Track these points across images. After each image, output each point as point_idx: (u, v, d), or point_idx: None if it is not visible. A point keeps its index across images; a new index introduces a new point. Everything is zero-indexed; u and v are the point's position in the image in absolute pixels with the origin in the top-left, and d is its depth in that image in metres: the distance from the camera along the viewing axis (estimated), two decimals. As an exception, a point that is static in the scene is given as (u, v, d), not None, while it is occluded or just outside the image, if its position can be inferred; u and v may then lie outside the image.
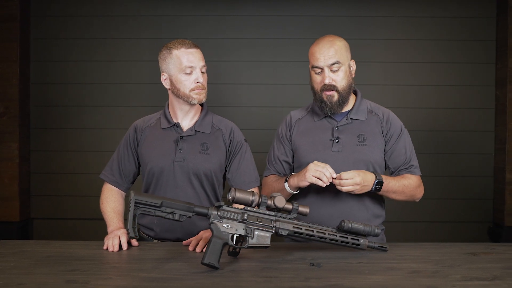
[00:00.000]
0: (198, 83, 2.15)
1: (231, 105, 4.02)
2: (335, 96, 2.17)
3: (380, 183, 2.08)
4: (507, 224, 3.83)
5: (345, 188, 2.02)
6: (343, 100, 2.20)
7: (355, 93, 2.32)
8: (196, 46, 2.19)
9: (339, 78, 2.17)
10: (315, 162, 2.07)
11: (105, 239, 2.00)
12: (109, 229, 2.11)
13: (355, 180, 2.02)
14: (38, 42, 4.05)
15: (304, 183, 2.08)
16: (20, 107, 3.91)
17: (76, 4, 4.04)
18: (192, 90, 2.15)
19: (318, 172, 2.03)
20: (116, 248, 1.92)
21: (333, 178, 2.03)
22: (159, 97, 3.99)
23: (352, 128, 2.22)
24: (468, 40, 4.01)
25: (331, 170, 2.04)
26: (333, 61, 2.15)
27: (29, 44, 4.03)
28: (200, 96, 2.17)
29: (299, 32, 4.03)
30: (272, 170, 2.36)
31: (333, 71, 2.16)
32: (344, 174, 2.02)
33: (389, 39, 4.02)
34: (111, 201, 2.23)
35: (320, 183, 2.03)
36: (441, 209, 4.03)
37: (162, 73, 2.21)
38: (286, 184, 2.18)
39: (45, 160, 4.07)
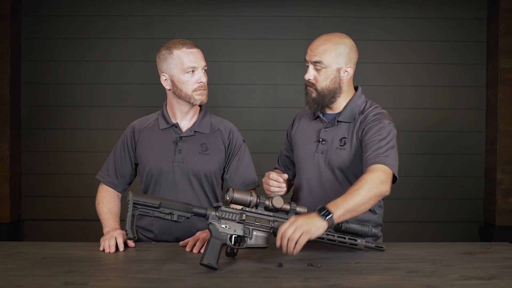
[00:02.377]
0: (200, 83, 2.13)
1: (224, 106, 4.02)
2: (313, 93, 2.13)
3: (327, 212, 1.72)
4: (498, 223, 3.87)
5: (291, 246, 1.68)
6: (322, 101, 2.13)
7: (355, 89, 2.23)
8: (196, 46, 2.18)
9: (320, 79, 2.10)
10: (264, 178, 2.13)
11: (101, 240, 1.99)
12: (104, 230, 2.09)
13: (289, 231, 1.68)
14: (29, 41, 4.02)
15: None
16: (11, 107, 3.88)
17: (68, 4, 4.01)
18: (194, 90, 2.13)
19: (266, 186, 2.09)
20: (112, 250, 1.91)
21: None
22: (151, 98, 3.98)
23: (337, 131, 2.16)
24: (459, 41, 4.04)
25: (274, 177, 2.07)
26: (315, 60, 2.09)
27: (20, 43, 3.99)
28: (202, 97, 2.15)
29: (293, 33, 4.04)
30: (278, 163, 2.43)
31: (316, 69, 2.11)
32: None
33: (382, 39, 4.05)
34: (107, 201, 2.21)
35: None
36: (433, 209, 4.06)
37: (162, 74, 2.17)
38: None
39: (36, 161, 4.04)
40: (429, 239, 3.98)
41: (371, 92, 3.96)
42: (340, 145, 2.13)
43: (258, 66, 4.06)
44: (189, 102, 2.16)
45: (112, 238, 1.95)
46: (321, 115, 2.20)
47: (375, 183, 1.83)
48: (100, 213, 2.20)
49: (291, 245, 1.66)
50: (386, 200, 2.24)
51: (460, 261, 1.78)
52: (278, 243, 1.69)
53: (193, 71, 2.13)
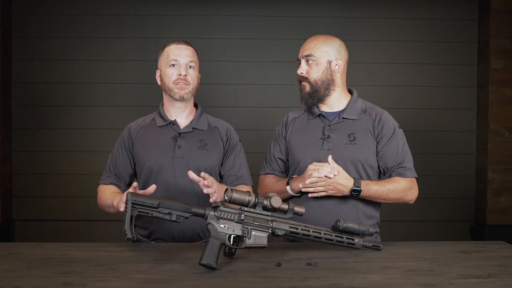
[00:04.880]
0: (179, 75, 2.18)
1: (217, 105, 4.01)
2: (307, 87, 2.24)
3: (356, 191, 2.10)
4: (489, 222, 3.91)
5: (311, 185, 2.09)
6: (316, 94, 2.23)
7: (351, 92, 2.34)
8: (187, 43, 2.25)
9: (312, 71, 2.23)
10: (314, 163, 2.11)
11: (118, 206, 1.97)
12: (114, 203, 2.04)
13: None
14: (21, 40, 3.98)
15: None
16: (2, 106, 3.84)
17: (61, 3, 3.98)
18: (174, 82, 2.18)
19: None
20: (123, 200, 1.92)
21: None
22: (144, 97, 3.96)
23: (343, 127, 2.23)
24: (451, 41, 4.07)
25: (328, 169, 2.05)
26: (306, 54, 2.24)
27: (11, 42, 3.95)
28: (181, 91, 2.18)
29: (285, 33, 4.04)
30: (268, 168, 2.39)
31: (308, 64, 2.24)
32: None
33: (373, 40, 4.06)
34: (108, 190, 2.18)
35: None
36: (425, 208, 4.08)
37: (156, 70, 2.28)
38: (288, 187, 2.20)
39: (27, 161, 4.00)
40: (421, 238, 4.01)
41: (363, 92, 3.98)
42: (349, 141, 2.20)
43: (251, 66, 4.06)
44: (171, 96, 2.20)
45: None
46: (323, 113, 2.26)
47: (402, 190, 2.21)
48: (104, 200, 2.14)
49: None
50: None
51: (457, 260, 1.79)
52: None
53: (175, 65, 2.19)
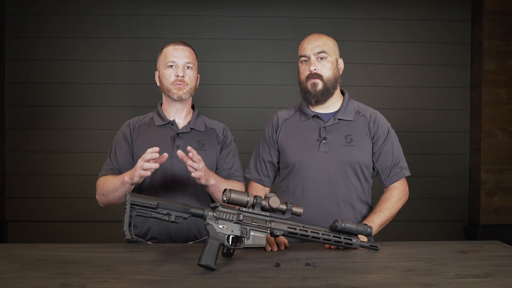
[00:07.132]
0: (177, 77, 2.19)
1: (212, 106, 4.01)
2: (319, 84, 2.19)
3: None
4: (483, 222, 3.93)
5: None
6: (327, 91, 2.21)
7: (343, 93, 2.34)
8: (185, 44, 2.26)
9: (325, 68, 2.20)
10: None
11: (132, 177, 1.97)
12: (126, 177, 2.01)
13: None
14: (14, 40, 3.95)
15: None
16: (-5, 107, 3.82)
17: (54, 2, 3.96)
18: (172, 83, 2.19)
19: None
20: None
21: None
22: (138, 97, 3.95)
23: (339, 129, 2.23)
24: (445, 42, 4.09)
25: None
26: (319, 50, 2.19)
27: (3, 42, 3.93)
28: (179, 91, 2.20)
29: (280, 33, 4.05)
30: (253, 172, 2.37)
31: (319, 60, 2.20)
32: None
33: (368, 40, 4.08)
34: (110, 176, 2.15)
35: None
36: (419, 209, 4.10)
37: (156, 71, 2.29)
38: None
39: (20, 161, 3.98)
40: (415, 238, 4.02)
41: (357, 93, 4.01)
42: (346, 142, 2.19)
43: (246, 66, 4.06)
44: (169, 96, 2.22)
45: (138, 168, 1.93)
46: (318, 114, 2.24)
47: (397, 200, 2.25)
48: (109, 183, 2.10)
49: None
50: (373, 200, 2.31)
51: (454, 260, 1.80)
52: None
53: (172, 66, 2.20)
